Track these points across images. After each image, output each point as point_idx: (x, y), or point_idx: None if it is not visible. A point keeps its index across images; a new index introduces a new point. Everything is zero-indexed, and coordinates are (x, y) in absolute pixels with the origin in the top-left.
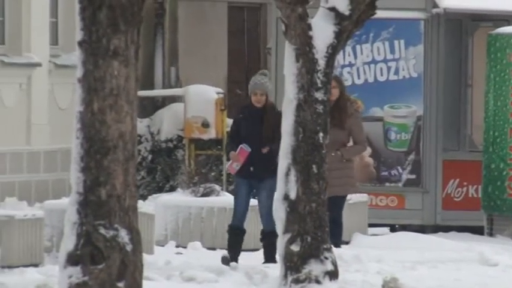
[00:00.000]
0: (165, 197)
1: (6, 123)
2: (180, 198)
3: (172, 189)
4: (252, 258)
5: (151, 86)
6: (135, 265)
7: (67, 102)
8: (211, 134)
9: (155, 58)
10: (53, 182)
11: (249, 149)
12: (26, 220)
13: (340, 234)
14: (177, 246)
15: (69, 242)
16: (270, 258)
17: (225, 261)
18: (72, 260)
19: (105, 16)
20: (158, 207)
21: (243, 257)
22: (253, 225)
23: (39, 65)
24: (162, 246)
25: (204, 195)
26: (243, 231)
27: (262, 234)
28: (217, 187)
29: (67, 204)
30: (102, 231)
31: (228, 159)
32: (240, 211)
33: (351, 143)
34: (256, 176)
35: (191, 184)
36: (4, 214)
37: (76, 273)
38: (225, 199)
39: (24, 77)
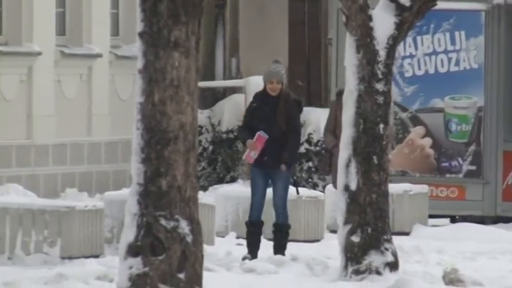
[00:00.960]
0: (225, 188)
1: (67, 114)
2: (241, 189)
3: (232, 180)
4: (311, 249)
5: (212, 77)
6: (196, 256)
7: (128, 93)
8: None
9: (216, 49)
10: (113, 173)
11: (267, 136)
12: (86, 211)
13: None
14: (237, 237)
15: (129, 233)
16: (279, 250)
17: (247, 258)
18: (133, 251)
19: (166, 7)
20: (219, 198)
21: (304, 247)
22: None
23: (99, 56)
24: (223, 237)
25: None
26: (262, 224)
27: (275, 226)
28: None
29: (127, 195)
30: (163, 222)
31: (244, 149)
32: (257, 203)
33: None
34: (271, 165)
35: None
36: (65, 205)
37: (136, 264)
38: None
39: (85, 67)
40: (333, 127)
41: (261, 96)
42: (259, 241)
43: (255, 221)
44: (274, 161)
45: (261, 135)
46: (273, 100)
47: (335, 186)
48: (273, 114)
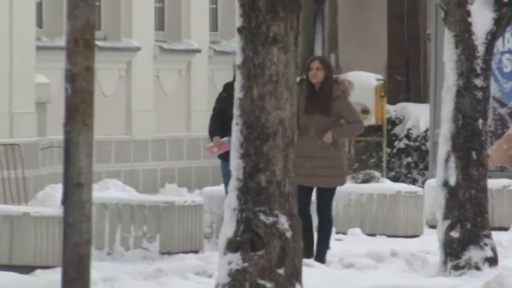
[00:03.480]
0: None
1: (166, 109)
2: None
3: None
4: (411, 245)
5: None
6: (295, 251)
7: None
8: (371, 120)
9: (315, 44)
10: (212, 168)
11: (230, 148)
12: (185, 206)
13: (329, 231)
14: (336, 233)
15: (229, 229)
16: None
17: None
18: (232, 246)
19: (265, 2)
20: None
21: (403, 242)
22: None
23: (198, 51)
24: None
25: (363, 181)
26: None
27: None
28: (377, 173)
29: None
30: (262, 217)
31: (211, 139)
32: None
33: None
34: None
35: (351, 170)
36: (164, 200)
37: (236, 259)
38: (385, 186)
39: (184, 63)
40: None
41: (231, 86)
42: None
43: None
44: None
45: (226, 143)
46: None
47: (296, 181)
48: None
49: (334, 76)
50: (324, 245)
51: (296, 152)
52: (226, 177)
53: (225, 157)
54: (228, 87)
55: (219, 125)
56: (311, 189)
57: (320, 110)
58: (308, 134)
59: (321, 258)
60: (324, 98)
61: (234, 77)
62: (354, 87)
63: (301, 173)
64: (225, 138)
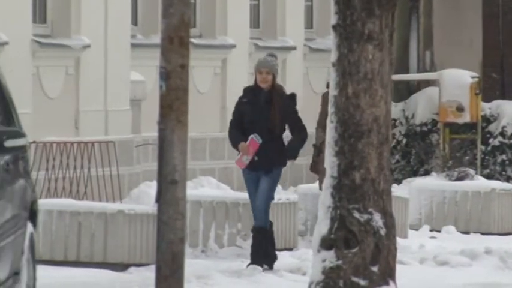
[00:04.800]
0: (419, 181)
1: None
2: (435, 182)
3: (426, 173)
4: (505, 242)
5: (406, 70)
6: (389, 249)
7: (321, 86)
8: (465, 118)
9: (410, 42)
10: (306, 166)
11: (260, 140)
12: (280, 204)
13: None
14: (431, 230)
15: (323, 226)
16: (257, 259)
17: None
18: (326, 243)
19: (360, 0)
20: (412, 191)
21: (497, 240)
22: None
23: (293, 48)
24: (416, 230)
25: (458, 179)
26: (266, 230)
27: (253, 230)
28: (471, 171)
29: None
30: (356, 215)
31: (235, 148)
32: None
33: None
34: (263, 166)
35: (445, 168)
36: None
37: (330, 257)
38: (480, 183)
39: (279, 60)
40: (326, 122)
41: (252, 91)
42: (264, 247)
43: (259, 227)
44: (266, 162)
45: (254, 140)
46: (265, 95)
47: (321, 187)
48: (265, 111)
49: None
50: None
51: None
52: (251, 194)
53: (248, 166)
54: (248, 92)
55: (240, 131)
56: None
57: None
58: None
59: None
60: None
61: (256, 81)
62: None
63: None
64: (251, 136)
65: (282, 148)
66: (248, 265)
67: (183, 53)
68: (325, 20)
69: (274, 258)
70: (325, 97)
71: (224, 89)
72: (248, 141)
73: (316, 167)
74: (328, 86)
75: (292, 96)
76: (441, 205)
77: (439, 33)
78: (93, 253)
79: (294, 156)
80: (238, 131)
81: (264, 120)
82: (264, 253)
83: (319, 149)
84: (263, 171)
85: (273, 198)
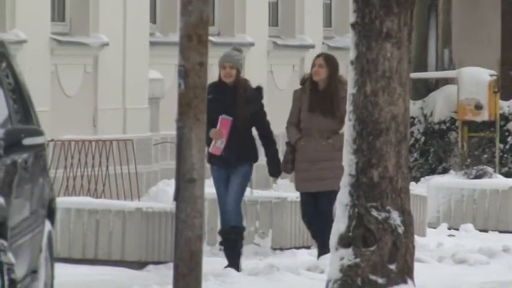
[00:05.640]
0: (437, 179)
1: (278, 104)
2: (453, 180)
3: (444, 171)
4: None
5: (424, 68)
6: (407, 247)
7: None
8: (484, 116)
9: (428, 40)
10: None
11: (231, 118)
12: (298, 202)
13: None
14: (449, 228)
15: (341, 224)
16: (234, 262)
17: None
18: (344, 241)
19: None
20: (430, 189)
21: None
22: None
23: (312, 47)
24: (434, 228)
25: (476, 177)
26: (241, 229)
27: (223, 230)
28: (489, 169)
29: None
30: (374, 213)
31: (209, 142)
32: (225, 207)
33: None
34: (231, 163)
35: (464, 166)
36: (276, 196)
37: (348, 255)
38: (498, 181)
39: (297, 59)
40: (297, 120)
41: (216, 87)
42: (238, 249)
43: (228, 229)
44: (234, 157)
45: (225, 118)
46: (230, 90)
47: (297, 188)
48: (231, 106)
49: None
50: (326, 250)
51: (299, 156)
52: (219, 193)
53: (216, 162)
54: (212, 88)
55: (208, 126)
56: (315, 196)
57: (324, 111)
58: (312, 136)
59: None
60: (328, 98)
61: (220, 76)
62: (468, 82)
63: (307, 178)
64: (221, 116)
65: (250, 143)
66: (226, 267)
67: (201, 51)
68: (343, 18)
69: (239, 254)
70: (296, 94)
71: None
72: (219, 124)
73: (291, 166)
74: (301, 83)
75: (259, 89)
76: (459, 203)
77: (458, 31)
78: (111, 251)
79: (278, 174)
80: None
81: (230, 116)
82: (238, 253)
83: (292, 147)
84: (232, 168)
85: (243, 196)
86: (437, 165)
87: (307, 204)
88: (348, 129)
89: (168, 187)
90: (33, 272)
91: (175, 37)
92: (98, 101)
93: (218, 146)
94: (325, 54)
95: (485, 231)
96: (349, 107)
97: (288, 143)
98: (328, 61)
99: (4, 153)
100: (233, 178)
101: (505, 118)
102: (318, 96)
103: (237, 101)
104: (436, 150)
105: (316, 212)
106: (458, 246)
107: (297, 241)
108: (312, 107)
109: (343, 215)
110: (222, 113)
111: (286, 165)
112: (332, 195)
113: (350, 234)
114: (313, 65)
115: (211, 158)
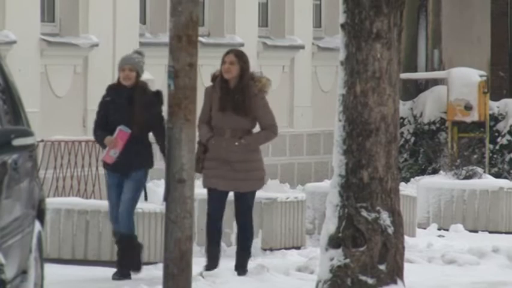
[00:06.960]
0: (427, 180)
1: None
2: (443, 180)
3: (434, 171)
4: None
5: (414, 69)
6: (397, 248)
7: (330, 85)
8: (474, 116)
9: (418, 41)
10: (315, 164)
11: (129, 130)
12: (288, 202)
13: (250, 238)
14: (439, 229)
15: (330, 225)
16: (123, 268)
17: (115, 278)
18: (334, 242)
19: None
20: (420, 190)
21: (505, 239)
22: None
23: (302, 47)
24: (424, 228)
25: (466, 177)
26: (132, 237)
27: (116, 236)
28: (479, 170)
29: (329, 187)
30: (364, 213)
31: (103, 147)
32: (116, 214)
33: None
34: (124, 168)
35: (453, 167)
36: (266, 196)
37: (337, 255)
38: (488, 182)
39: (287, 59)
40: (208, 118)
41: (114, 89)
42: (132, 257)
43: (119, 233)
44: (128, 162)
45: (123, 130)
46: (127, 93)
47: (205, 183)
48: (128, 110)
49: (251, 72)
50: (245, 253)
51: (210, 155)
52: (110, 198)
53: (111, 167)
54: (110, 90)
55: (104, 131)
56: (225, 195)
57: (236, 109)
58: (223, 135)
59: (243, 268)
60: (240, 96)
61: (119, 79)
62: (458, 83)
63: (217, 175)
64: (118, 127)
65: (146, 149)
66: (114, 274)
67: (191, 52)
68: (333, 18)
69: (140, 262)
70: (208, 91)
71: None
72: (116, 133)
73: (200, 165)
74: (212, 79)
75: (157, 94)
76: (449, 204)
77: (447, 32)
78: (101, 252)
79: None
80: (100, 131)
81: (127, 120)
82: (130, 260)
83: (204, 147)
84: (125, 173)
85: (136, 203)
86: (427, 165)
87: (213, 199)
88: (337, 130)
89: (157, 188)
90: (23, 272)
91: (165, 38)
92: (88, 101)
93: (111, 155)
94: (235, 50)
95: (475, 231)
96: (338, 108)
97: (199, 142)
98: (240, 57)
99: None
100: (126, 185)
101: (494, 119)
102: (229, 94)
103: (134, 105)
104: (425, 150)
105: (223, 211)
106: (448, 246)
107: (287, 242)
108: (223, 106)
109: (333, 215)
110: (119, 116)
111: (197, 165)
112: (246, 197)
113: (340, 234)
114: (223, 62)
115: (105, 163)
